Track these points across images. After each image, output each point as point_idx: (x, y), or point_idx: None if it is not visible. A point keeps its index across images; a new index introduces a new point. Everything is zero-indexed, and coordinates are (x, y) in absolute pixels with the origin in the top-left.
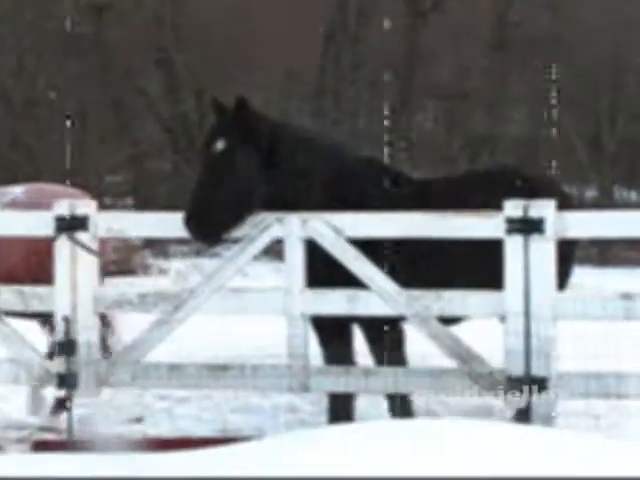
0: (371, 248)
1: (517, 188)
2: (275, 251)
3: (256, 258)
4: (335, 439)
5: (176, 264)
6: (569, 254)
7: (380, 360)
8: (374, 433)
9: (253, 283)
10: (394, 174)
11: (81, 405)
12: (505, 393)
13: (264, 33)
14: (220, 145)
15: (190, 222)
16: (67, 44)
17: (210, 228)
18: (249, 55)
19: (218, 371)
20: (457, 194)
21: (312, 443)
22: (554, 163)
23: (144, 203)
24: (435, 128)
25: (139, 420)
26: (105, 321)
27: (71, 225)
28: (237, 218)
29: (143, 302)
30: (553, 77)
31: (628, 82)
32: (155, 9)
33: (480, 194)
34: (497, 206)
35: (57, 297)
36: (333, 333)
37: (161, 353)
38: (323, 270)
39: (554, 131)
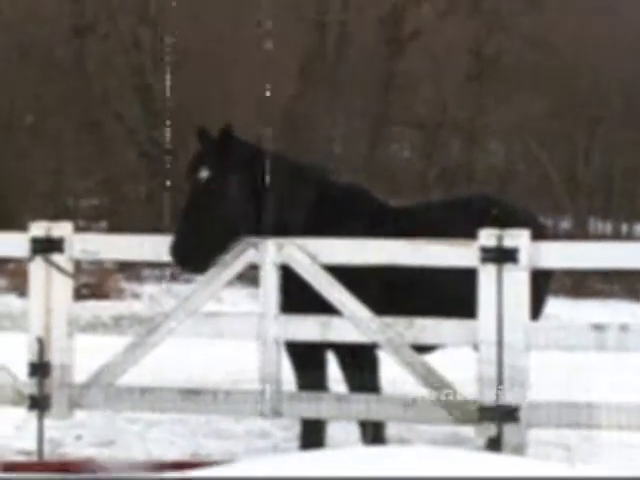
0: (349, 274)
1: (492, 217)
2: (249, 277)
3: (231, 284)
4: (306, 465)
5: (149, 288)
6: (543, 284)
7: (353, 386)
8: (345, 459)
9: (228, 308)
10: (374, 201)
11: (53, 427)
12: (477, 422)
13: (242, 59)
14: (205, 173)
15: (177, 252)
16: (46, 67)
17: (197, 257)
18: (226, 81)
19: (191, 395)
20: (432, 222)
21: (283, 468)
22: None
23: (119, 227)
24: (412, 156)
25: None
26: None
27: (46, 247)
28: (223, 246)
29: (117, 325)
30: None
31: (604, 114)
32: (134, 33)
33: (455, 222)
34: (472, 235)
35: (31, 319)
36: (307, 359)
37: (134, 376)
38: (300, 295)
39: (530, 162)
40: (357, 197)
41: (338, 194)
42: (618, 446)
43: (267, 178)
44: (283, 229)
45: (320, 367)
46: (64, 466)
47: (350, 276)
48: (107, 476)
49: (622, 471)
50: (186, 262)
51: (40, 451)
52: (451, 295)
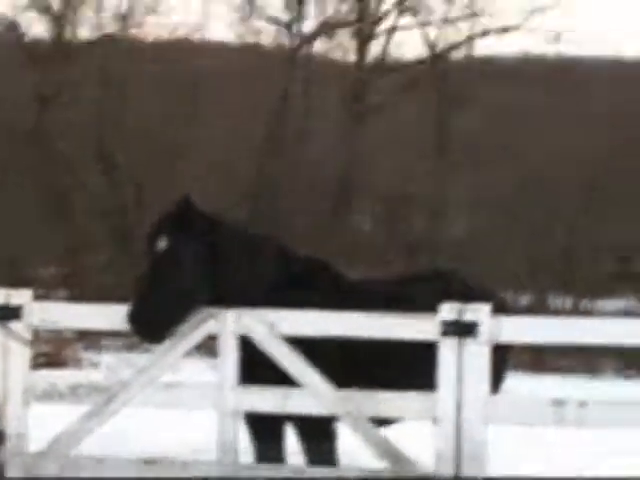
0: (311, 346)
1: (453, 291)
2: (208, 347)
3: (189, 354)
4: None
5: (107, 358)
6: (503, 358)
7: (311, 458)
8: None
9: (186, 378)
10: (334, 274)
11: None
12: None
13: (205, 130)
14: (163, 243)
15: (135, 321)
16: (6, 133)
17: (155, 327)
18: (189, 151)
19: (148, 466)
20: (394, 295)
21: None
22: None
23: (78, 295)
24: (374, 229)
25: None
26: None
27: (5, 314)
28: (181, 316)
29: (74, 394)
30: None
31: (565, 190)
32: (97, 104)
33: (416, 296)
34: (432, 309)
35: None
36: (265, 430)
37: (91, 446)
38: (261, 366)
39: (492, 236)
40: (317, 270)
41: (298, 267)
42: None
43: (226, 249)
44: (242, 300)
45: (278, 439)
46: None
47: (310, 347)
48: None
49: None
50: (144, 331)
51: None
52: (412, 368)
